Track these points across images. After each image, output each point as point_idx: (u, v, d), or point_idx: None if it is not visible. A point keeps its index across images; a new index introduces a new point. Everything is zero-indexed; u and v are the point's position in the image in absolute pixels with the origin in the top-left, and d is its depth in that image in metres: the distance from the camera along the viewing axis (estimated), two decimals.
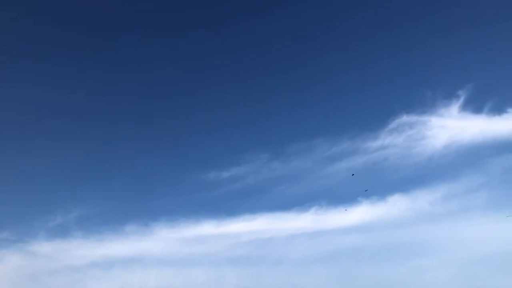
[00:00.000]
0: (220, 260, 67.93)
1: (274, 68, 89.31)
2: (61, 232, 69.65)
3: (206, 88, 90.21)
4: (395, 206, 67.78)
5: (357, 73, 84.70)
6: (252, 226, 71.06)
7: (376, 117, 77.57)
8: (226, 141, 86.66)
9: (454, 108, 69.12)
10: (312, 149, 77.64)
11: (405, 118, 71.81)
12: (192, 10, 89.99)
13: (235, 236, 70.22)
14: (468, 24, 78.00)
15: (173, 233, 70.90)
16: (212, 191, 78.43)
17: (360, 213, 68.85)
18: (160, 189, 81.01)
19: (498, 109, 67.24)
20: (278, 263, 67.50)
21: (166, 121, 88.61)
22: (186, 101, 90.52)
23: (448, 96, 70.27)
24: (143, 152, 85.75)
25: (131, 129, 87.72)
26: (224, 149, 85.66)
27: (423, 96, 73.16)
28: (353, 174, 69.08)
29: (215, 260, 68.07)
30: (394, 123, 72.28)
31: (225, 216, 72.74)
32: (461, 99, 68.83)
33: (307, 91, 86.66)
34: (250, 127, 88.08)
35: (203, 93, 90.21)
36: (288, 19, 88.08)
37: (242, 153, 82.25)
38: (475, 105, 68.61)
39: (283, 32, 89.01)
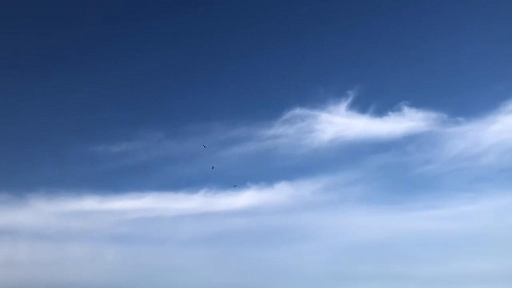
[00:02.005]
0: (101, 237, 65.15)
1: (178, 45, 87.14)
2: None
3: (99, 61, 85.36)
4: (281, 193, 70.81)
5: (258, 64, 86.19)
6: (139, 204, 69.12)
7: (272, 107, 79.85)
8: (118, 115, 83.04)
9: (343, 106, 73.70)
10: (208, 131, 77.69)
11: (298, 111, 74.98)
12: None
13: (119, 213, 67.73)
14: (361, 31, 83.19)
15: (51, 206, 66.38)
16: (99, 165, 74.89)
17: (248, 197, 70.79)
18: (39, 158, 75.37)
19: (380, 112, 73.01)
20: (162, 242, 66.71)
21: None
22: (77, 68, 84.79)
23: (339, 94, 74.65)
24: (20, 117, 78.80)
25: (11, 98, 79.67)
26: (116, 123, 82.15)
27: (316, 92, 76.98)
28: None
29: (96, 237, 65.13)
30: (288, 115, 75.13)
31: (110, 192, 69.82)
32: (350, 99, 73.53)
33: (208, 74, 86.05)
34: (146, 103, 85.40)
35: (94, 65, 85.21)
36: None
37: (135, 128, 79.57)
38: (361, 106, 73.65)
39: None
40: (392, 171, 71.13)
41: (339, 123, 73.47)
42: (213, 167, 69.04)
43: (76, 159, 75.70)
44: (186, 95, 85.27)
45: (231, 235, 67.10)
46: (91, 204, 67.54)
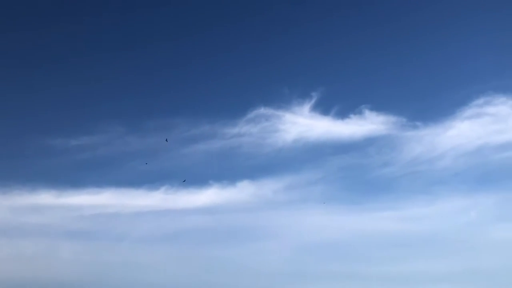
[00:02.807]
0: (57, 233, 63.06)
1: (142, 42, 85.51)
2: None
3: (60, 55, 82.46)
4: (243, 191, 70.90)
5: (223, 62, 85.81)
6: (97, 200, 67.31)
7: (237, 105, 79.89)
8: (78, 108, 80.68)
9: (306, 107, 74.70)
10: (171, 127, 76.68)
11: (262, 110, 75.35)
12: None
13: (76, 208, 65.75)
14: (326, 34, 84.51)
15: (4, 200, 63.83)
16: (56, 158, 72.56)
17: (210, 195, 70.40)
18: None
19: (342, 114, 74.43)
20: (120, 239, 65.29)
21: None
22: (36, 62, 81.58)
23: (303, 95, 75.55)
24: None
25: None
26: (75, 116, 79.54)
27: (281, 93, 77.63)
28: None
29: (51, 232, 62.88)
30: (252, 114, 75.34)
31: (67, 187, 67.70)
32: (313, 100, 74.58)
33: (173, 70, 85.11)
34: (108, 97, 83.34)
35: (55, 59, 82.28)
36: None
37: (95, 122, 77.40)
38: (324, 108, 74.84)
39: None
40: (352, 172, 72.76)
41: (302, 124, 74.51)
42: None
43: (31, 152, 73.07)
44: (150, 90, 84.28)
45: (192, 233, 66.77)
46: (47, 198, 65.37)
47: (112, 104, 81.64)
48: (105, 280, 56.90)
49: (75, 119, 78.23)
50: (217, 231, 66.85)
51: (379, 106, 73.76)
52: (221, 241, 65.52)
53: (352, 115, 74.14)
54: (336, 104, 75.59)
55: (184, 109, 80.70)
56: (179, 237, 65.96)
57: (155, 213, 68.81)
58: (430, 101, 76.15)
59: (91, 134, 75.01)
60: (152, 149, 74.76)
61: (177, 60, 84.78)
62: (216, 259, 62.15)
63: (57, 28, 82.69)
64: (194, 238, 65.81)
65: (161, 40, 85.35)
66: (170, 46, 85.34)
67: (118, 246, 63.94)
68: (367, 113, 73.30)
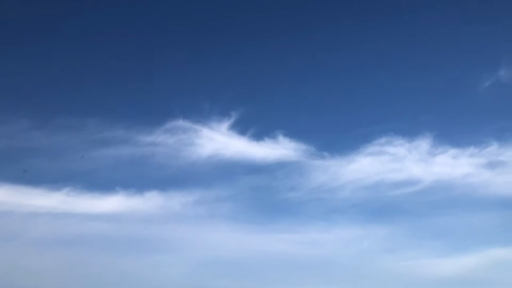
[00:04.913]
0: None
1: (62, 36, 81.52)
2: None
3: None
4: (150, 201, 69.78)
5: (145, 67, 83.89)
6: None
7: (155, 114, 78.34)
8: None
9: (225, 125, 75.68)
10: (83, 127, 73.35)
11: (181, 122, 75.04)
12: None
13: None
14: (253, 57, 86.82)
15: None
16: None
17: (114, 202, 68.33)
18: None
19: (257, 136, 76.29)
20: (9, 240, 61.31)
21: None
22: None
23: (223, 113, 76.44)
24: None
25: None
26: None
27: (202, 107, 77.91)
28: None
29: None
30: (170, 124, 74.71)
31: None
32: (232, 119, 75.80)
33: (92, 69, 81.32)
34: (14, 88, 77.13)
35: None
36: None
37: None
38: (241, 128, 76.16)
39: None
40: (260, 193, 74.66)
41: (219, 141, 75.32)
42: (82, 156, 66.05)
43: None
44: (63, 85, 79.57)
45: (91, 240, 64.21)
46: None
47: (18, 96, 76.28)
48: None
49: None
50: (117, 240, 64.99)
51: (292, 133, 76.79)
52: (120, 251, 63.76)
53: (266, 138, 76.40)
54: (253, 125, 77.38)
55: (99, 109, 77.44)
56: (75, 243, 63.25)
57: (53, 215, 65.39)
58: (339, 135, 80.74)
59: None
60: (58, 148, 71.32)
61: (98, 58, 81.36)
62: (113, 269, 60.46)
63: None
64: (92, 245, 63.48)
65: (86, 35, 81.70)
66: (94, 42, 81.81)
67: (6, 246, 59.95)
68: (281, 138, 76.07)
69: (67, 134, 72.14)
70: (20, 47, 77.46)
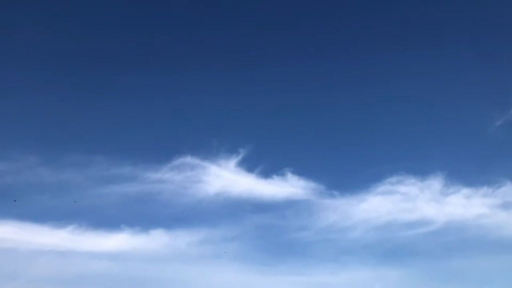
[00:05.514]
0: None
1: (71, 70, 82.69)
2: None
3: None
4: (156, 240, 68.63)
5: (154, 106, 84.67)
6: None
7: (162, 150, 78.31)
8: None
9: (233, 162, 75.33)
10: (89, 164, 73.33)
11: (188, 159, 74.83)
12: None
13: None
14: (261, 95, 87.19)
15: None
16: None
17: (119, 240, 67.36)
18: None
19: (266, 174, 75.75)
20: (13, 278, 59.89)
21: None
22: None
23: (231, 150, 76.32)
24: None
25: None
26: None
27: (210, 144, 77.82)
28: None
29: None
30: (177, 161, 74.52)
31: None
32: (240, 156, 75.56)
33: (100, 107, 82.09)
34: (23, 123, 77.98)
35: None
36: None
37: (4, 148, 71.94)
38: (249, 165, 75.86)
39: None
40: (268, 233, 73.23)
41: (226, 178, 74.69)
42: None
43: None
44: (71, 121, 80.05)
45: (95, 279, 62.66)
46: None
47: (26, 131, 76.59)
48: None
49: None
50: (122, 279, 63.46)
51: (301, 171, 76.08)
52: None
53: (275, 176, 75.70)
54: (261, 163, 76.93)
55: (107, 146, 77.66)
56: (79, 282, 61.66)
57: (58, 253, 64.39)
58: (349, 173, 79.79)
59: None
60: (64, 184, 70.92)
61: (106, 95, 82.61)
62: None
63: None
64: (96, 284, 61.98)
65: (95, 73, 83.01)
66: (101, 79, 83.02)
67: (9, 285, 58.66)
68: (290, 175, 75.31)
69: (74, 171, 72.21)
70: (29, 84, 79.21)
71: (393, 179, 74.04)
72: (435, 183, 73.56)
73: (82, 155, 74.52)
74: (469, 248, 68.94)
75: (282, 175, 75.55)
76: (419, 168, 75.96)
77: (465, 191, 72.53)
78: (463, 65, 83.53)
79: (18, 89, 78.00)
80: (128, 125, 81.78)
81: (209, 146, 77.55)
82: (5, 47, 77.79)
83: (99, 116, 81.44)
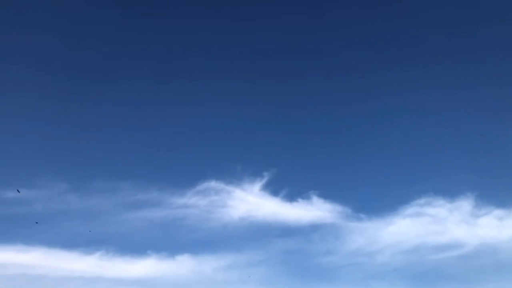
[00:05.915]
0: None
1: (96, 97, 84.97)
2: None
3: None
4: (182, 265, 68.64)
5: (178, 132, 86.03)
6: (24, 259, 63.06)
7: (187, 175, 79.10)
8: (18, 159, 76.74)
9: (257, 186, 75.25)
10: (116, 190, 74.35)
11: (213, 184, 75.13)
12: None
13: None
14: (282, 120, 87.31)
15: None
16: None
17: (146, 266, 67.64)
18: None
19: (290, 197, 75.29)
20: None
21: None
22: None
23: (255, 173, 76.37)
24: None
25: None
26: (14, 167, 75.28)
27: (234, 168, 78.09)
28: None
29: None
30: (202, 186, 74.90)
31: None
32: (264, 180, 75.42)
33: (125, 132, 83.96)
34: (52, 151, 79.91)
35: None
36: None
37: (35, 175, 73.68)
38: (274, 188, 75.62)
39: None
40: (294, 257, 72.28)
41: (251, 202, 74.57)
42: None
43: None
44: (98, 149, 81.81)
45: None
46: None
47: (55, 158, 78.40)
48: None
49: (13, 170, 74.04)
50: None
51: (327, 194, 75.36)
52: None
53: (300, 199, 75.17)
54: (286, 186, 76.61)
55: (133, 172, 78.82)
56: None
57: (85, 279, 64.81)
58: (376, 196, 78.63)
59: (29, 187, 71.00)
60: (92, 211, 72.01)
61: (132, 122, 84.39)
62: None
63: None
64: None
65: (119, 100, 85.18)
66: (127, 106, 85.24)
67: None
68: (315, 199, 74.65)
69: (102, 197, 73.31)
70: (58, 116, 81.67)
71: (421, 200, 72.64)
72: (465, 204, 71.69)
73: (109, 181, 75.93)
74: (503, 271, 66.27)
75: (308, 198, 75.06)
76: (448, 189, 74.34)
77: (497, 212, 70.37)
78: (491, 80, 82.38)
79: (48, 118, 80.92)
80: (154, 150, 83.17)
81: (233, 170, 77.90)
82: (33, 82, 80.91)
83: (125, 143, 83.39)
